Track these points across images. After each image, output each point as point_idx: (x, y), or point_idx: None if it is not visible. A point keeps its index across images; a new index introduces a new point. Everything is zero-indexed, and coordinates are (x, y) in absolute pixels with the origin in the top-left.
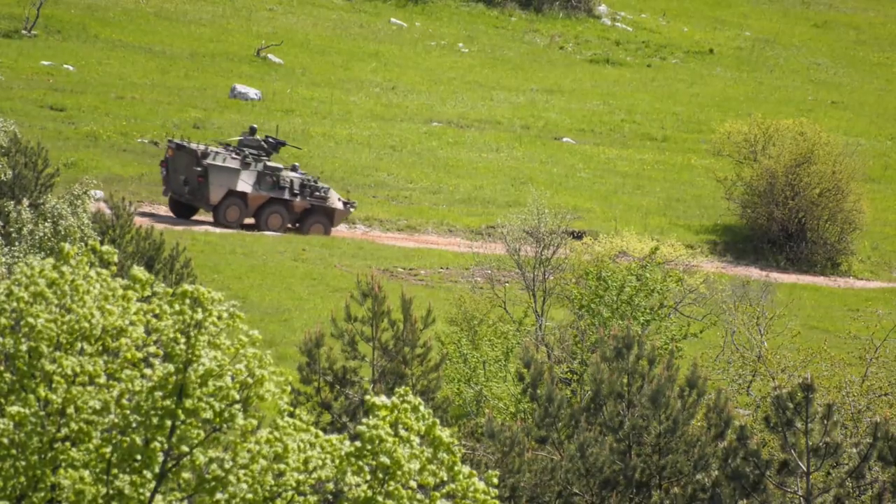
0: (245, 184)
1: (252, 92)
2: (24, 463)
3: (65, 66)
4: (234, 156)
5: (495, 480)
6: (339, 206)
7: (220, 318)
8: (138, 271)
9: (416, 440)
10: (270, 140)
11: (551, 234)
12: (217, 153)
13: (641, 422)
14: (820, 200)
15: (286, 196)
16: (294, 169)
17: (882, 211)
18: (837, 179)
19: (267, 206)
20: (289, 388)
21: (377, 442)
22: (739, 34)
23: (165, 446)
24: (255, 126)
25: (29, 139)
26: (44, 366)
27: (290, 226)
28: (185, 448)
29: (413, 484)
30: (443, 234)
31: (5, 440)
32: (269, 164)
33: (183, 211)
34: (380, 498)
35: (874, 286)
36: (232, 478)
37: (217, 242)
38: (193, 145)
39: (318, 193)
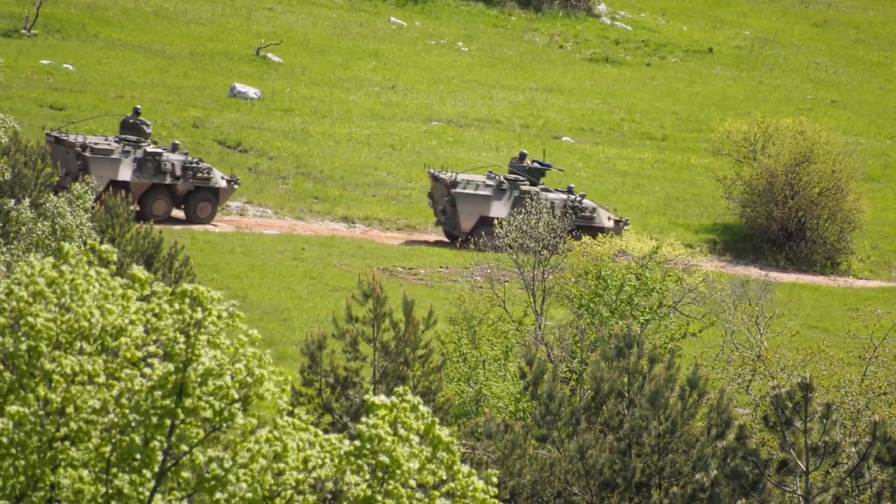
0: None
1: (251, 91)
2: (23, 462)
3: (64, 65)
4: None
5: (494, 479)
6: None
7: (219, 317)
8: (138, 270)
9: (415, 439)
10: (536, 165)
11: (550, 234)
12: (469, 181)
13: (641, 422)
14: (819, 200)
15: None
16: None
17: (881, 210)
18: (837, 178)
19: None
20: (288, 388)
21: (376, 441)
22: (739, 33)
23: (165, 445)
24: (525, 152)
25: (29, 138)
26: (43, 365)
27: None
28: (184, 447)
29: (412, 483)
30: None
31: (5, 439)
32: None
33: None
34: (379, 497)
35: (874, 285)
36: (231, 477)
37: (216, 241)
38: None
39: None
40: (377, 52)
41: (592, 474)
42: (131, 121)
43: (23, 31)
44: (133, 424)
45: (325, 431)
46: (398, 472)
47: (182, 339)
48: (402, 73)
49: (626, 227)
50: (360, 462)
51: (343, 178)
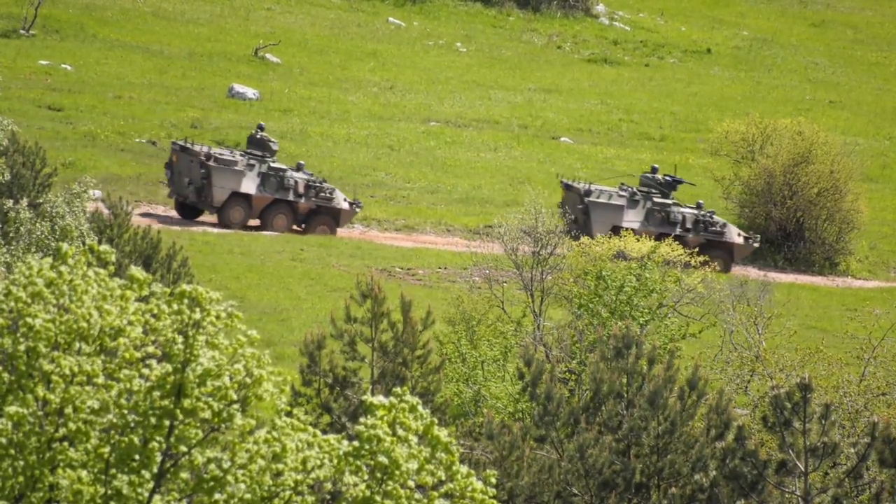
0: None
1: (250, 91)
2: (22, 463)
3: (63, 65)
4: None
5: (493, 480)
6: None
7: (218, 317)
8: (136, 271)
9: (413, 440)
10: (668, 179)
11: (549, 234)
12: (602, 191)
13: (640, 422)
14: (818, 200)
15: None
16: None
17: (880, 210)
18: (835, 179)
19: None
20: (287, 388)
21: (375, 442)
22: (737, 33)
23: (164, 446)
24: (657, 166)
25: (27, 139)
26: (42, 366)
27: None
28: (183, 448)
29: (411, 483)
30: (441, 233)
31: (3, 440)
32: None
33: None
34: (378, 497)
35: (872, 286)
36: (230, 478)
37: (215, 242)
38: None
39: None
40: (375, 53)
41: (591, 474)
42: (258, 136)
43: (21, 31)
44: (132, 425)
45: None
46: (397, 472)
47: (180, 339)
48: (401, 74)
49: (755, 244)
50: (358, 462)
51: (341, 178)
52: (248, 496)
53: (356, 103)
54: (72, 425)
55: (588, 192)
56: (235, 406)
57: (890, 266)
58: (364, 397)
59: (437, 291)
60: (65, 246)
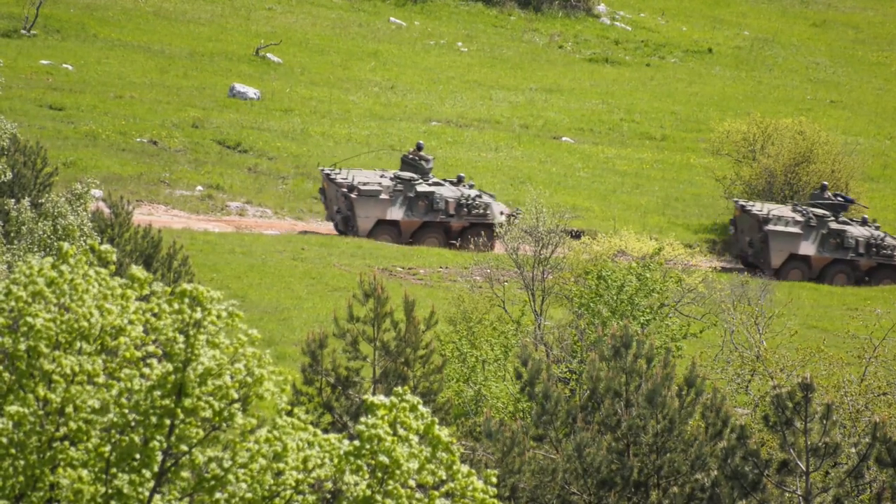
0: (807, 246)
1: (251, 91)
2: (22, 462)
3: (64, 65)
4: (798, 217)
5: (494, 479)
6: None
7: (219, 317)
8: (137, 270)
9: (414, 439)
10: (840, 198)
11: (550, 234)
12: (780, 217)
13: (639, 421)
14: None
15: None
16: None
17: (881, 210)
18: (836, 178)
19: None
20: (288, 388)
21: (376, 441)
22: (738, 33)
23: (164, 445)
24: (826, 183)
25: (28, 138)
26: (42, 365)
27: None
28: (184, 447)
29: (412, 483)
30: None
31: (4, 439)
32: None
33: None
34: (379, 497)
35: (873, 285)
36: (231, 477)
37: (216, 242)
38: (757, 208)
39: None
40: (376, 53)
41: (590, 473)
42: (411, 157)
43: (22, 31)
44: (132, 424)
45: (325, 431)
46: (398, 472)
47: (181, 338)
48: (402, 74)
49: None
50: (359, 462)
51: None
52: (248, 495)
53: (357, 103)
54: (72, 424)
55: (767, 220)
56: (236, 405)
57: None
58: (365, 397)
59: (438, 291)
60: (66, 245)
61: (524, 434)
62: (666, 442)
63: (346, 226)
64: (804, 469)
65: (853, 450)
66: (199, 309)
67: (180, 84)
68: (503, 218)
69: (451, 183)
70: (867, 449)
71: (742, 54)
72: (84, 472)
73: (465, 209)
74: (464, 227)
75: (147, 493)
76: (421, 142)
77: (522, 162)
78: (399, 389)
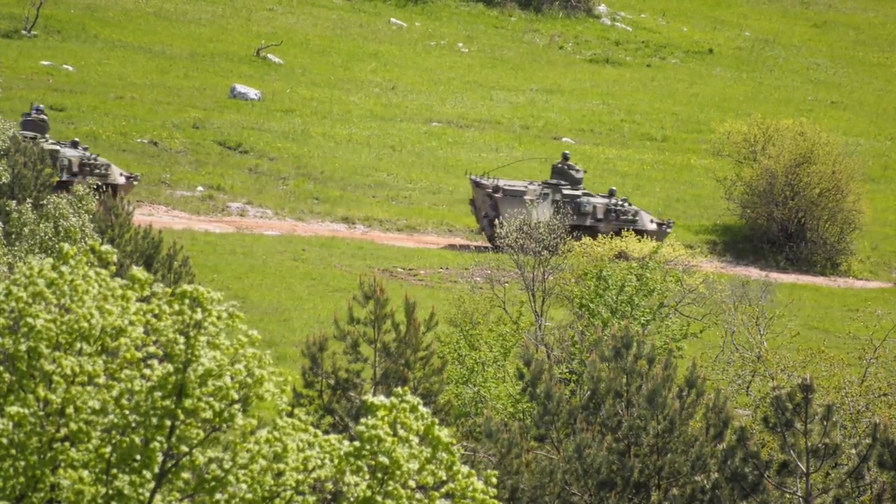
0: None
1: (252, 92)
2: (23, 463)
3: (64, 66)
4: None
5: (494, 480)
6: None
7: (219, 318)
8: (137, 271)
9: (414, 440)
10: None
11: (550, 235)
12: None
13: (639, 422)
14: (819, 200)
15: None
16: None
17: (881, 211)
18: (837, 179)
19: None
20: (288, 388)
21: (376, 442)
22: (739, 34)
23: (165, 446)
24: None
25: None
26: (43, 366)
27: None
28: (184, 448)
29: (412, 483)
30: (442, 234)
31: (5, 440)
32: None
33: None
34: (379, 498)
35: (873, 286)
36: (231, 478)
37: (217, 242)
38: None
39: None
40: (377, 53)
41: (591, 473)
42: (559, 165)
43: (23, 31)
44: (133, 425)
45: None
46: (398, 472)
47: (182, 339)
48: (403, 74)
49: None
50: (359, 463)
51: (343, 178)
52: (249, 496)
53: (358, 104)
54: (73, 425)
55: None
56: (237, 406)
57: (891, 266)
58: (365, 397)
59: (438, 292)
60: (66, 246)
61: (522, 434)
62: (666, 443)
63: (493, 230)
64: (804, 470)
65: (853, 451)
66: (199, 310)
67: (181, 85)
68: (654, 226)
69: (602, 196)
70: (867, 450)
71: (743, 55)
72: (85, 473)
73: (614, 214)
74: (613, 233)
75: (147, 494)
76: (567, 152)
77: (523, 162)
78: (399, 390)
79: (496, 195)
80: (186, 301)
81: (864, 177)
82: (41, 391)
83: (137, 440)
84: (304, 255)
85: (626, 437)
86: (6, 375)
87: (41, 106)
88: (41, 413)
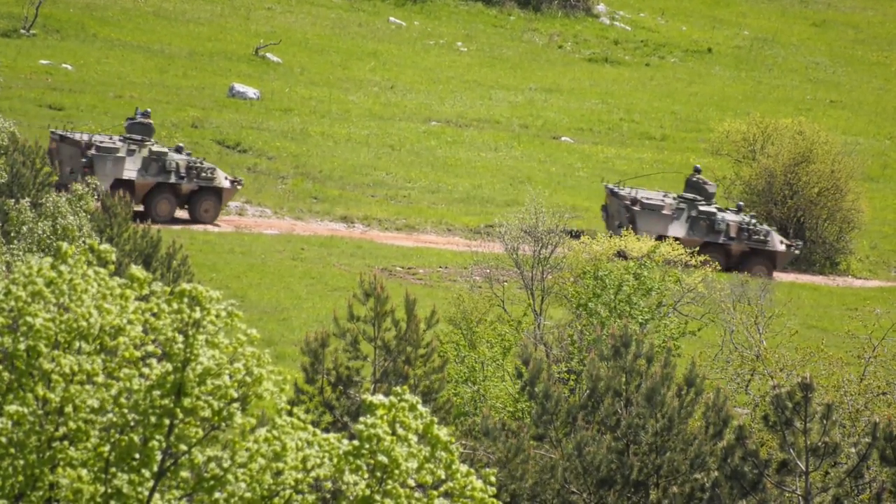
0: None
1: (250, 91)
2: (22, 462)
3: (63, 65)
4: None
5: (493, 479)
6: (782, 248)
7: (218, 316)
8: (136, 270)
9: (413, 439)
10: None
11: (549, 233)
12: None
13: (638, 420)
14: (818, 199)
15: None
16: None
17: (880, 210)
18: (836, 178)
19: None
20: (287, 387)
21: (375, 441)
22: (738, 33)
23: (164, 445)
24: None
25: (27, 138)
26: (42, 365)
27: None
28: (183, 447)
29: (411, 482)
30: (441, 233)
31: (3, 439)
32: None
33: None
34: (378, 496)
35: (873, 285)
36: (230, 476)
37: (215, 241)
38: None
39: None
40: (376, 52)
41: (590, 472)
42: (694, 179)
43: (22, 31)
44: (132, 424)
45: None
46: (397, 471)
47: (180, 338)
48: (401, 73)
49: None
50: (358, 462)
51: (342, 178)
52: (248, 495)
53: (357, 103)
54: (72, 424)
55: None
56: (235, 405)
57: (890, 265)
58: (364, 396)
59: (437, 291)
60: (64, 245)
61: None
62: (665, 441)
63: None
64: (804, 469)
65: (853, 450)
66: (198, 309)
67: (180, 84)
68: (783, 247)
69: (732, 211)
70: (867, 449)
71: (742, 54)
72: (83, 472)
73: (746, 234)
74: (743, 252)
75: (146, 493)
76: (698, 165)
77: (522, 162)
78: (398, 389)
79: (634, 208)
80: (185, 300)
81: (864, 176)
82: (40, 390)
83: (136, 439)
84: (302, 255)
85: (625, 436)
86: (5, 374)
87: (147, 110)
88: (40, 412)
